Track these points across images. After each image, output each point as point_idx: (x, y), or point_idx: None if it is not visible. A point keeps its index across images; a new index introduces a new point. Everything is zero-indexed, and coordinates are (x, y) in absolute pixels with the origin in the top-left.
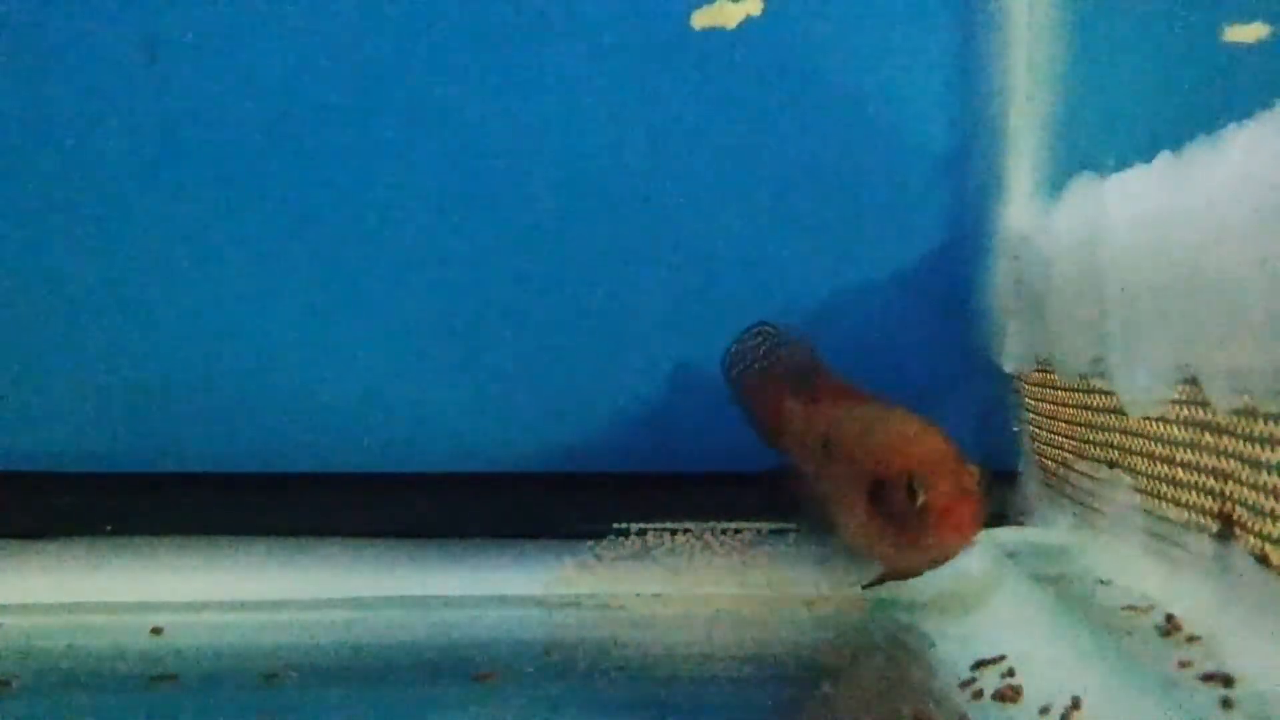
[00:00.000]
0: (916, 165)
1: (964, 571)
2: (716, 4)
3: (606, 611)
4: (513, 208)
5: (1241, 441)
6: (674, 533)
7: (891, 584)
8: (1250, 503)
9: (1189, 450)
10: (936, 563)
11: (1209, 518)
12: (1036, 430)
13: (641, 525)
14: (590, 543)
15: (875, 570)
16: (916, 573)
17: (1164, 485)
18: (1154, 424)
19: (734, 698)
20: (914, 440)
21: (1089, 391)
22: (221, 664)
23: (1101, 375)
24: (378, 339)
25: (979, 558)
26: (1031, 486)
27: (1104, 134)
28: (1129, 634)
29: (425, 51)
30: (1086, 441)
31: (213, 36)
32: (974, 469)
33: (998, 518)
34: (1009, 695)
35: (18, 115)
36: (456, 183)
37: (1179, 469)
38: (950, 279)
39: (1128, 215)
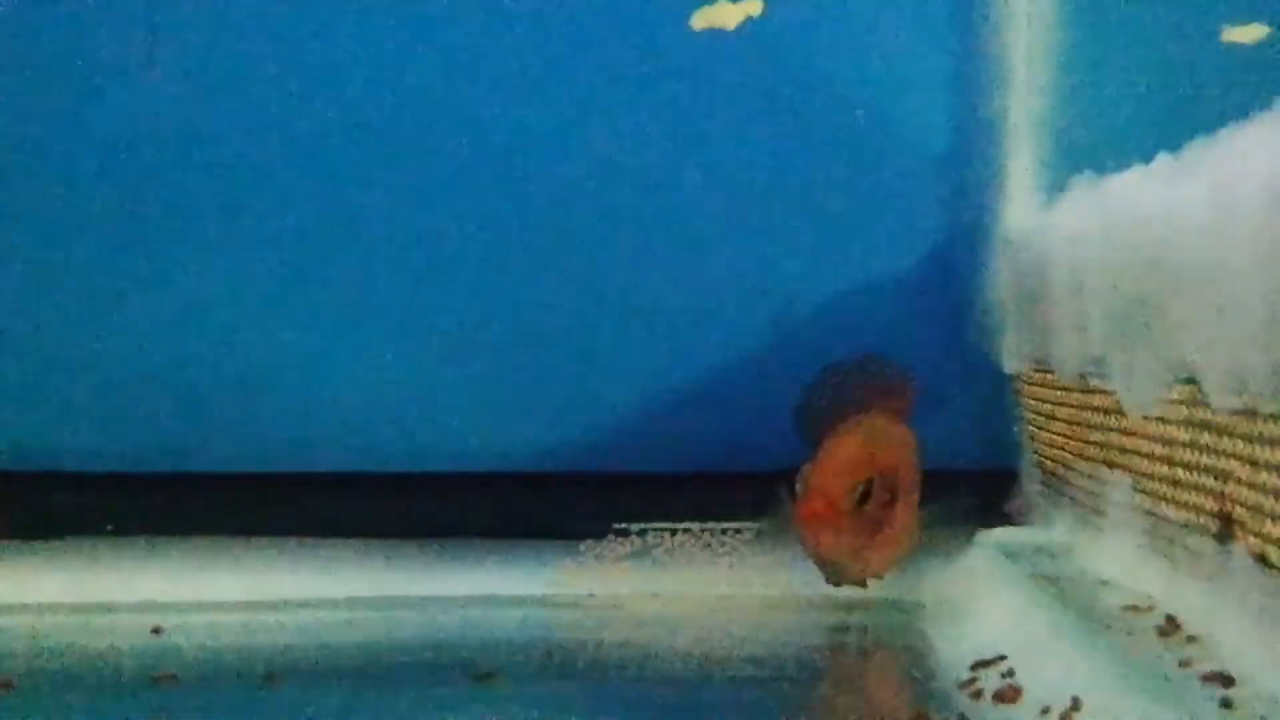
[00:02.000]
0: (916, 165)
1: (964, 571)
2: (716, 4)
3: (606, 611)
4: (512, 208)
5: (1241, 441)
6: (674, 533)
7: (891, 584)
8: (1250, 503)
9: (1189, 450)
10: (824, 565)
11: (1209, 518)
12: (1036, 430)
13: (641, 525)
14: (590, 543)
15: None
16: (847, 579)
17: (1164, 485)
18: (1154, 424)
19: (734, 698)
20: (831, 442)
21: (1089, 391)
22: (221, 664)
23: (1101, 375)
24: (378, 340)
25: (979, 558)
26: (1031, 486)
27: (1104, 134)
28: (1129, 634)
29: (425, 52)
30: (1086, 441)
31: (213, 37)
32: (851, 484)
33: (998, 518)
34: (1009, 695)
35: (17, 116)
36: (457, 183)
37: (1179, 469)
38: (950, 279)
39: (1128, 215)
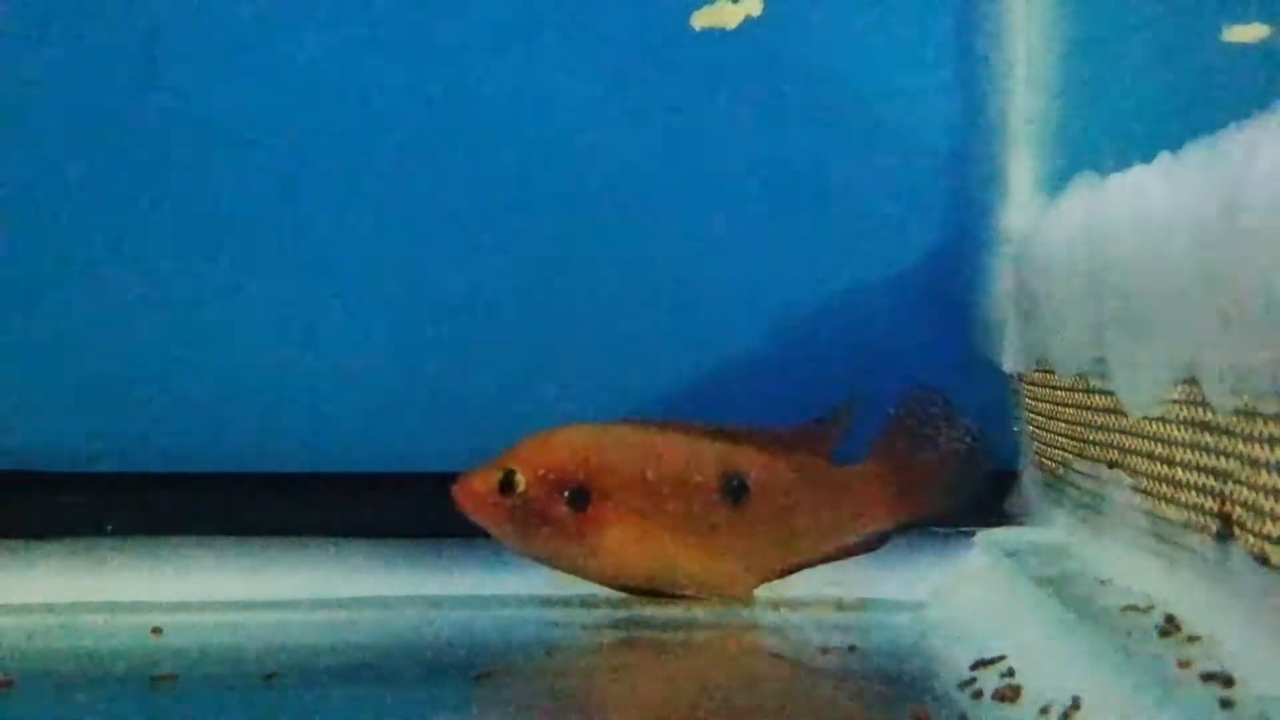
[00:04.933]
0: (916, 165)
1: (964, 571)
2: (716, 4)
3: (606, 611)
4: (511, 209)
5: (1241, 441)
6: None
7: (891, 584)
8: (1250, 503)
9: (1189, 450)
10: None
11: (1209, 518)
12: (1036, 430)
13: None
14: None
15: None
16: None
17: (1164, 485)
18: (1154, 424)
19: (734, 697)
20: None
21: (1089, 391)
22: (221, 664)
23: (1101, 375)
24: (378, 340)
25: (979, 558)
26: (1031, 486)
27: (1104, 134)
28: (1129, 634)
29: (423, 52)
30: (1086, 441)
31: (209, 38)
32: (494, 471)
33: (998, 518)
34: (1009, 695)
35: (14, 116)
36: (455, 184)
37: (1179, 469)
38: (950, 279)
39: (1128, 215)
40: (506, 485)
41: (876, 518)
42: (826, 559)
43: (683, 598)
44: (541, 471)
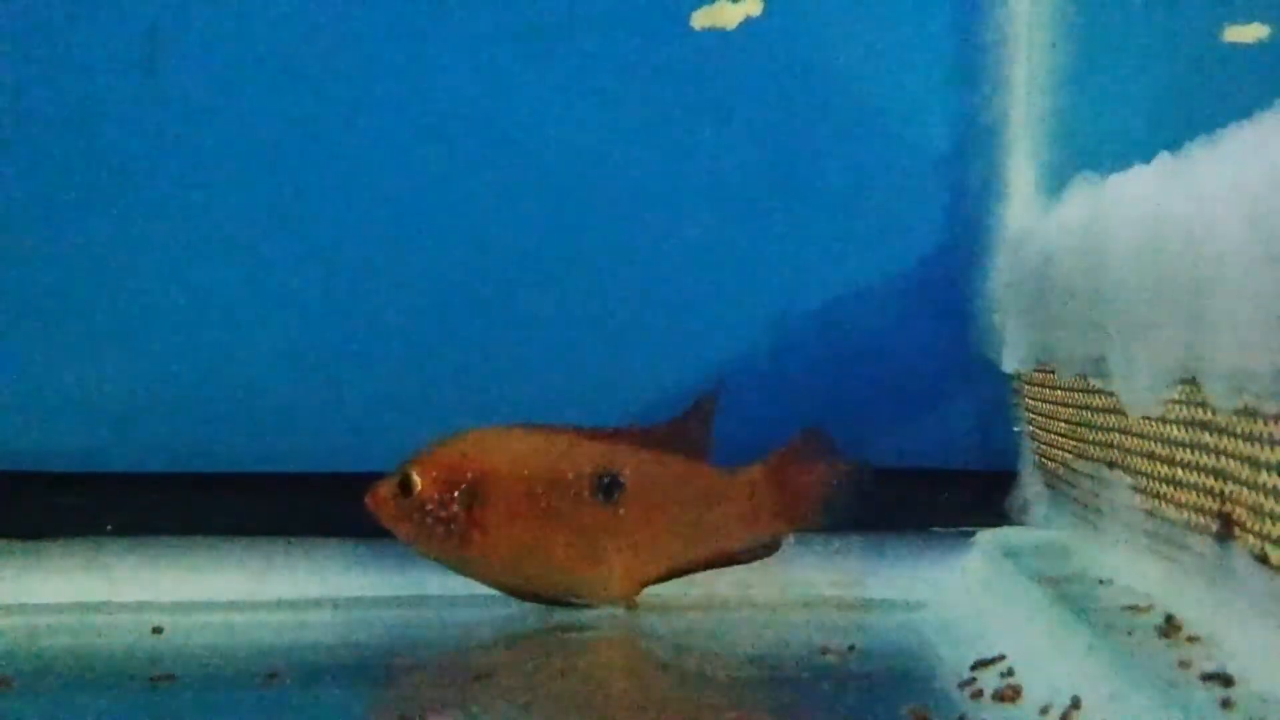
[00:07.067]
0: (916, 165)
1: (964, 571)
2: (716, 4)
3: (606, 611)
4: (511, 209)
5: (1241, 441)
6: None
7: (891, 584)
8: (1250, 503)
9: (1189, 450)
10: None
11: (1209, 518)
12: (1036, 430)
13: None
14: None
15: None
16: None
17: (1164, 485)
18: (1154, 424)
19: (735, 697)
20: None
21: (1089, 391)
22: (221, 664)
23: (1101, 375)
24: (379, 341)
25: (979, 557)
26: (1031, 486)
27: (1104, 134)
28: (1129, 634)
29: (422, 51)
30: (1086, 441)
31: (208, 40)
32: (395, 475)
33: (998, 518)
34: (1009, 695)
35: (16, 117)
36: (456, 183)
37: (1179, 469)
38: (950, 279)
39: (1128, 215)
40: (405, 488)
41: (760, 523)
42: (711, 564)
43: (568, 604)
44: (435, 474)
